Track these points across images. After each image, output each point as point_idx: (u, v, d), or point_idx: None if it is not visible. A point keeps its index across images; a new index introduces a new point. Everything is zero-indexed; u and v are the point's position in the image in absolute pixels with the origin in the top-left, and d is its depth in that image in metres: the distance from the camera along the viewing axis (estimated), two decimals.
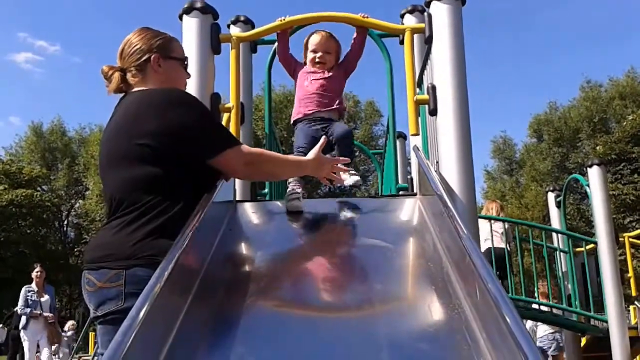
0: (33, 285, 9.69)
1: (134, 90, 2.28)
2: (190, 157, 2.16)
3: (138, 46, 2.30)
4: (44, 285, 9.91)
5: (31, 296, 9.55)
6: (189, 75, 2.49)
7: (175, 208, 2.07)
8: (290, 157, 2.74)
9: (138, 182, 2.08)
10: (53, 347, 10.03)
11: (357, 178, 2.89)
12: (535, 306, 7.25)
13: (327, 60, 3.18)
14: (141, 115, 2.13)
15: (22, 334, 9.50)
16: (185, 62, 2.44)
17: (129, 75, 2.30)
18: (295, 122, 3.20)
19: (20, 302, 9.53)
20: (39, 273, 9.81)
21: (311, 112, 3.13)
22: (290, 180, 2.91)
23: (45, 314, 9.49)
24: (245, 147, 2.32)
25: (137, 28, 2.38)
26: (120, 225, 2.04)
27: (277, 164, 2.48)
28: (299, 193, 2.81)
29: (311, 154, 2.60)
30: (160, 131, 2.09)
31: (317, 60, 3.17)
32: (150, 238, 2.00)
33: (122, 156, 2.12)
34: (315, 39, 3.20)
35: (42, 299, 9.61)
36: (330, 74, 3.18)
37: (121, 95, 2.30)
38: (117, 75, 2.28)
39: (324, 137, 2.84)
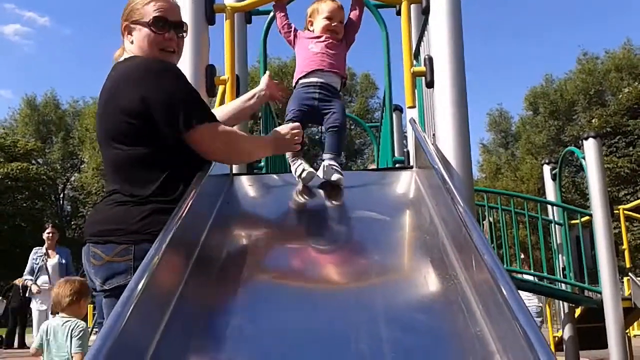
0: (43, 248, 8.57)
1: (121, 61, 2.25)
2: (165, 131, 2.08)
3: (122, 13, 2.29)
4: (56, 247, 8.68)
5: (36, 260, 8.49)
6: (170, 35, 2.27)
7: (181, 185, 2.06)
8: (257, 136, 2.71)
9: (138, 159, 2.07)
10: None
11: (340, 176, 2.72)
12: (530, 277, 7.32)
13: (339, 30, 3.09)
14: (121, 91, 2.10)
15: (32, 303, 8.54)
16: (154, 22, 2.23)
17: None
18: (296, 85, 3.07)
19: (27, 268, 8.52)
20: (50, 234, 8.59)
21: (312, 70, 2.99)
22: (288, 156, 2.86)
23: (44, 286, 8.27)
24: (222, 126, 2.23)
25: None
26: (123, 200, 2.04)
27: (251, 143, 2.45)
28: (304, 164, 2.78)
29: (271, 134, 2.59)
30: (139, 108, 2.05)
31: (331, 27, 3.08)
32: (156, 214, 1.99)
33: (113, 133, 2.11)
34: (329, 6, 3.08)
35: (51, 262, 8.44)
36: (336, 42, 3.09)
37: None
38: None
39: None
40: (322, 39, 3.04)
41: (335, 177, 2.71)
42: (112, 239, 1.98)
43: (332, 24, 3.06)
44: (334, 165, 2.76)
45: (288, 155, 2.87)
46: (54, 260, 8.46)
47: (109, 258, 1.97)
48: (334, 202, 2.74)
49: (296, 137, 2.59)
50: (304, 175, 2.75)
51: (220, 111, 2.77)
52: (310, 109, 2.94)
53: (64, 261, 8.50)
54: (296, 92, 3.01)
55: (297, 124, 2.69)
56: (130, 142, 2.07)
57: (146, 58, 2.20)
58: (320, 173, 2.75)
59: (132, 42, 2.26)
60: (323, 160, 2.81)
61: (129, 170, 2.07)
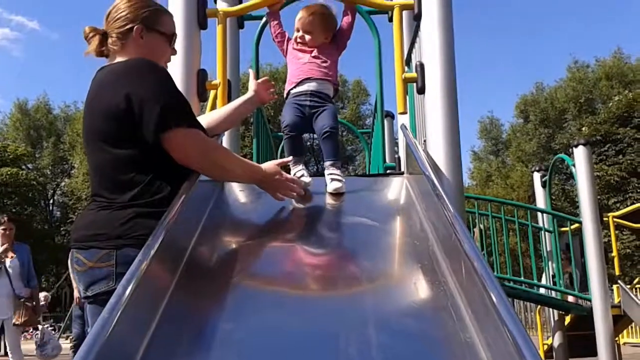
0: None
1: (110, 63, 2.21)
2: (144, 131, 2.01)
3: (124, 13, 2.21)
4: (14, 243, 6.91)
5: None
6: (174, 52, 2.40)
7: (166, 188, 2.03)
8: (245, 160, 2.52)
9: (121, 162, 2.03)
10: (26, 334, 7.02)
11: (339, 185, 2.71)
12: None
13: (307, 41, 3.02)
14: (107, 91, 2.06)
15: None
16: (173, 38, 2.36)
17: (110, 40, 2.22)
18: (287, 96, 3.05)
19: None
20: (5, 230, 6.81)
21: (302, 79, 2.97)
22: (290, 163, 2.84)
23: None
24: (202, 135, 2.16)
25: None
26: (107, 204, 2.01)
27: (232, 162, 2.32)
28: (303, 169, 2.81)
29: (267, 165, 2.47)
30: (123, 105, 2.00)
31: (299, 40, 3.04)
32: (139, 218, 1.96)
33: (97, 134, 2.08)
34: (299, 16, 3.04)
35: (8, 261, 6.74)
36: (322, 49, 3.06)
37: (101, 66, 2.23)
38: (96, 38, 2.21)
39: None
40: (309, 48, 3.03)
41: (334, 186, 2.72)
42: (94, 244, 1.95)
43: (298, 36, 3.05)
44: (335, 174, 2.77)
45: (290, 159, 2.83)
46: (13, 261, 6.79)
47: (91, 264, 1.94)
48: (325, 207, 2.73)
49: (291, 189, 2.49)
50: (304, 181, 2.73)
51: (210, 117, 2.74)
52: (303, 117, 2.94)
53: (26, 263, 6.90)
54: (288, 102, 3.01)
55: (309, 179, 2.71)
56: (113, 144, 2.04)
57: (139, 58, 2.15)
58: (329, 187, 2.74)
59: (138, 43, 2.21)
60: (325, 169, 2.82)
61: (112, 173, 2.04)
